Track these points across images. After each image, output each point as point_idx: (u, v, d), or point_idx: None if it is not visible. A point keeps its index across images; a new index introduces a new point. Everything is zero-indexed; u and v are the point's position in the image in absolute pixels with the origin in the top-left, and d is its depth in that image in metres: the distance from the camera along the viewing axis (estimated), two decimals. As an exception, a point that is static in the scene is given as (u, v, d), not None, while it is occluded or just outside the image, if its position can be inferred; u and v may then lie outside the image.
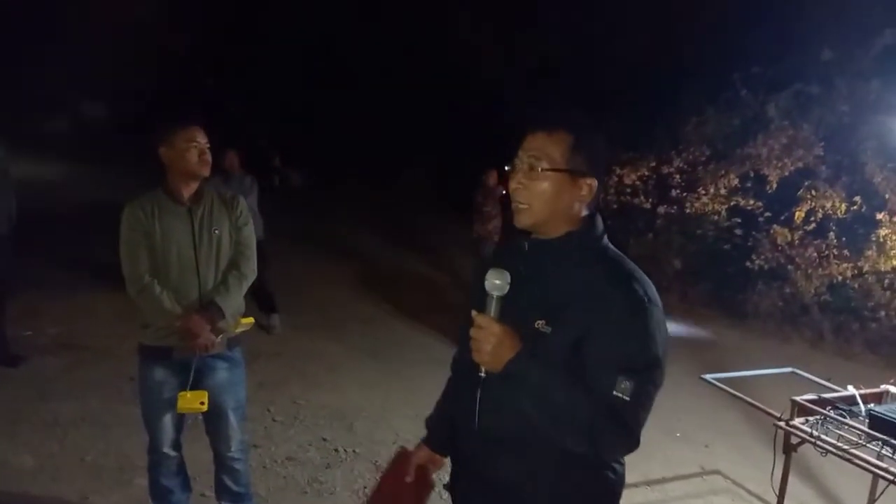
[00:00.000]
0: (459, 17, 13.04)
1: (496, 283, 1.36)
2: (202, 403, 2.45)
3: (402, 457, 1.71)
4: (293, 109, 16.97)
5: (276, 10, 16.32)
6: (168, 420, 2.55)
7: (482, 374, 1.38)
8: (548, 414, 1.34)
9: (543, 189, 1.40)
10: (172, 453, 2.61)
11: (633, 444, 1.35)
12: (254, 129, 16.76)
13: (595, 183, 1.43)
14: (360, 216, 13.95)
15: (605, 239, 1.47)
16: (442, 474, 1.71)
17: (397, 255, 10.43)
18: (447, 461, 1.70)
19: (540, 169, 1.40)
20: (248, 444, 2.88)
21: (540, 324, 1.37)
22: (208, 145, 2.47)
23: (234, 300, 2.53)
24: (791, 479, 2.91)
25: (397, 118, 15.18)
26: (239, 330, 2.62)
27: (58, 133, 20.55)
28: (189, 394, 2.45)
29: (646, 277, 1.41)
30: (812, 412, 2.67)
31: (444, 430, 1.67)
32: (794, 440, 2.73)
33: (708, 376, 3.34)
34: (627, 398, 1.29)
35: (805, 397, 2.76)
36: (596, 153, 1.45)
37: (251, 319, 2.67)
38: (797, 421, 2.69)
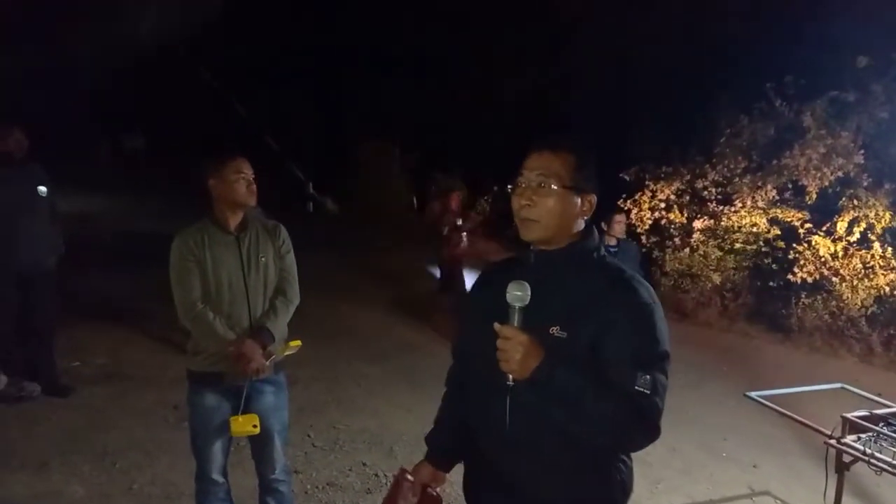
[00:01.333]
0: (486, 32, 13.12)
1: (517, 294, 1.43)
2: (255, 426, 2.49)
3: (403, 478, 1.74)
4: (325, 138, 17.26)
5: (304, 40, 16.70)
6: (218, 446, 2.60)
7: (510, 383, 1.44)
8: (574, 413, 1.43)
9: (552, 205, 1.52)
10: (221, 480, 2.65)
11: (656, 433, 1.46)
12: (287, 157, 17.12)
13: (594, 199, 1.58)
14: (395, 239, 14.07)
15: (603, 248, 1.62)
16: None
17: (434, 278, 10.46)
18: (448, 476, 1.76)
19: (552, 186, 1.50)
20: (289, 468, 2.91)
21: (555, 329, 1.47)
22: (253, 176, 2.56)
23: (282, 325, 2.62)
24: (844, 499, 2.82)
25: (430, 138, 15.33)
26: (287, 353, 2.67)
27: (97, 165, 21.22)
28: (241, 417, 2.50)
29: (644, 281, 1.55)
30: (864, 429, 2.59)
31: (447, 448, 1.76)
32: (846, 458, 2.64)
33: (753, 394, 3.27)
34: (648, 391, 1.40)
35: (856, 413, 2.68)
36: (594, 171, 1.59)
37: (298, 342, 2.71)
38: (849, 438, 2.62)
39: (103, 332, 6.13)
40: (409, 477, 1.72)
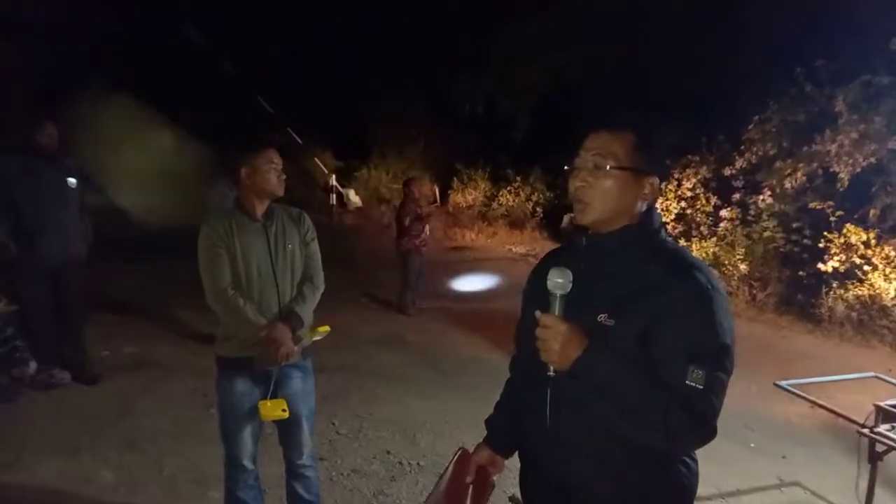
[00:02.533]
0: (502, 20, 13.02)
1: (559, 281, 1.38)
2: (284, 411, 2.52)
3: (463, 458, 1.70)
4: (350, 129, 17.32)
5: (329, 33, 16.74)
6: (248, 432, 2.62)
7: (551, 374, 1.38)
8: (619, 408, 1.34)
9: (608, 187, 1.43)
10: (251, 466, 2.67)
11: (709, 433, 1.34)
12: (312, 150, 17.22)
13: (657, 181, 1.46)
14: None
15: (664, 232, 1.50)
16: (505, 484, 1.69)
17: (455, 266, 10.46)
18: (507, 463, 1.69)
19: (608, 167, 1.42)
20: (316, 455, 2.93)
21: (603, 317, 1.38)
22: (281, 166, 2.60)
23: (310, 310, 2.64)
24: (877, 490, 2.75)
25: (452, 130, 15.32)
26: (315, 338, 2.70)
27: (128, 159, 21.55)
28: (269, 402, 2.52)
29: (707, 266, 1.42)
30: (898, 418, 2.52)
31: (504, 431, 1.69)
32: (879, 448, 2.58)
33: (783, 383, 3.20)
34: (701, 387, 1.29)
35: (889, 402, 2.61)
36: (658, 152, 1.48)
37: (327, 328, 2.73)
38: (882, 428, 2.55)
39: (131, 322, 6.25)
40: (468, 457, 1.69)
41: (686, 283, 1.35)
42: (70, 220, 4.49)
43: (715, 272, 1.43)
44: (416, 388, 4.96)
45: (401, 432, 4.12)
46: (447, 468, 1.71)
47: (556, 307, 1.37)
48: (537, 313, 1.37)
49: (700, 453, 3.94)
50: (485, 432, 1.75)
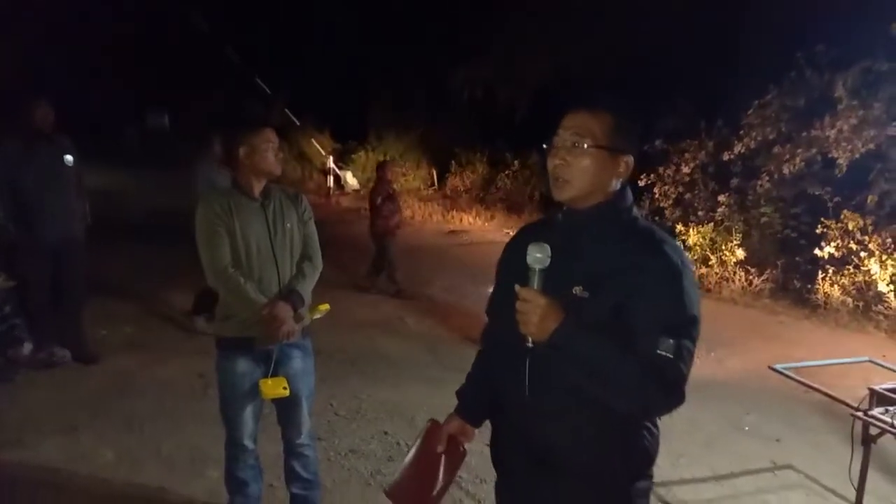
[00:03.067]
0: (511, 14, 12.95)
1: (538, 256, 1.42)
2: (284, 389, 2.52)
3: (434, 428, 1.74)
4: (348, 112, 17.22)
5: (329, 16, 16.61)
6: (249, 412, 2.63)
7: (529, 345, 1.43)
8: (596, 377, 1.41)
9: (586, 165, 1.49)
10: (251, 446, 2.69)
11: (679, 399, 1.42)
12: (309, 132, 17.13)
13: (632, 160, 1.53)
14: (418, 212, 14.07)
15: (635, 210, 1.57)
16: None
17: (452, 249, 10.47)
18: (477, 432, 1.76)
19: (585, 146, 1.47)
20: (314, 434, 2.95)
21: (578, 290, 1.44)
22: (278, 145, 2.60)
23: (310, 289, 2.64)
24: (869, 473, 2.78)
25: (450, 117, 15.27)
26: (316, 317, 2.71)
27: (125, 143, 21.49)
28: (270, 380, 2.53)
29: (676, 243, 1.51)
30: (892, 401, 2.55)
31: (475, 402, 1.75)
32: (872, 431, 2.61)
33: (778, 366, 3.22)
34: (671, 356, 1.37)
35: (884, 386, 2.63)
36: (633, 132, 1.55)
37: (327, 306, 2.74)
38: (876, 411, 2.57)
39: (129, 302, 6.26)
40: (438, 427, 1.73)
41: (657, 259, 1.43)
42: (68, 199, 4.48)
43: (680, 246, 1.52)
44: (415, 372, 4.98)
45: (398, 414, 4.15)
46: (417, 439, 1.75)
47: (535, 281, 1.42)
48: (517, 287, 1.42)
49: (695, 436, 3.98)
50: (455, 406, 1.80)
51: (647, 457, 1.56)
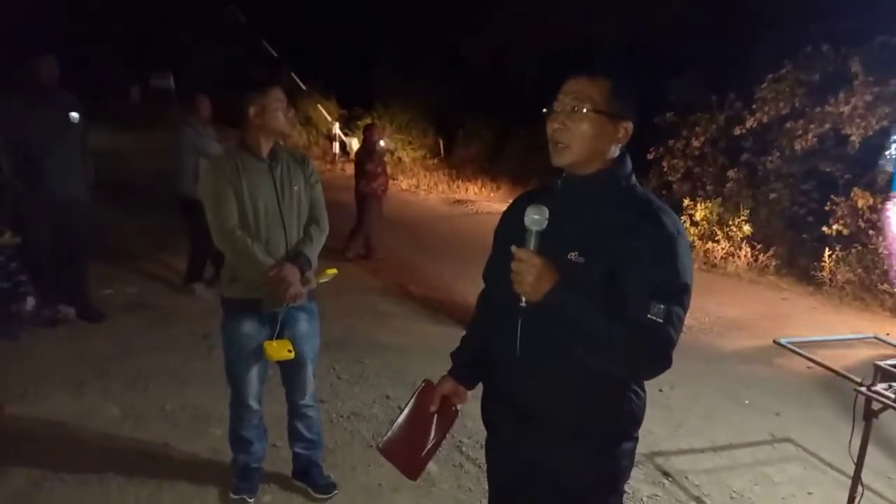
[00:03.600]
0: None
1: (535, 217, 1.43)
2: (290, 351, 2.53)
3: (427, 389, 1.77)
4: (354, 78, 17.04)
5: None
6: (255, 373, 2.63)
7: (523, 304, 1.45)
8: (587, 338, 1.43)
9: (584, 130, 1.49)
10: (256, 406, 2.70)
11: (667, 362, 1.44)
12: (315, 97, 16.97)
13: (631, 126, 1.53)
14: (423, 181, 14.00)
15: (634, 177, 1.57)
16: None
17: (456, 219, 10.45)
18: (470, 394, 1.78)
19: (584, 110, 1.48)
20: (318, 396, 2.98)
21: (573, 255, 1.47)
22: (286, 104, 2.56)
23: (317, 252, 2.63)
24: (870, 447, 2.79)
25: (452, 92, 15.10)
26: (322, 280, 2.69)
27: (128, 105, 21.35)
28: (275, 342, 2.53)
29: (672, 212, 1.52)
30: (896, 377, 2.54)
31: (469, 363, 1.78)
32: (875, 406, 2.61)
33: (783, 340, 3.21)
34: (661, 320, 1.39)
35: (889, 362, 2.62)
36: (633, 98, 1.54)
37: (335, 270, 2.72)
38: (879, 386, 2.57)
39: (133, 263, 6.27)
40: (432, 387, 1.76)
41: (653, 227, 1.45)
42: (73, 156, 4.45)
43: (676, 215, 1.52)
44: (418, 337, 5.00)
45: (401, 379, 4.17)
46: (411, 398, 1.78)
47: (532, 242, 1.43)
48: (513, 247, 1.43)
49: (694, 408, 3.99)
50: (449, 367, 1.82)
51: (632, 418, 1.59)
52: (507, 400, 1.64)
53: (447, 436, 1.80)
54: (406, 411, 1.77)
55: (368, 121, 16.40)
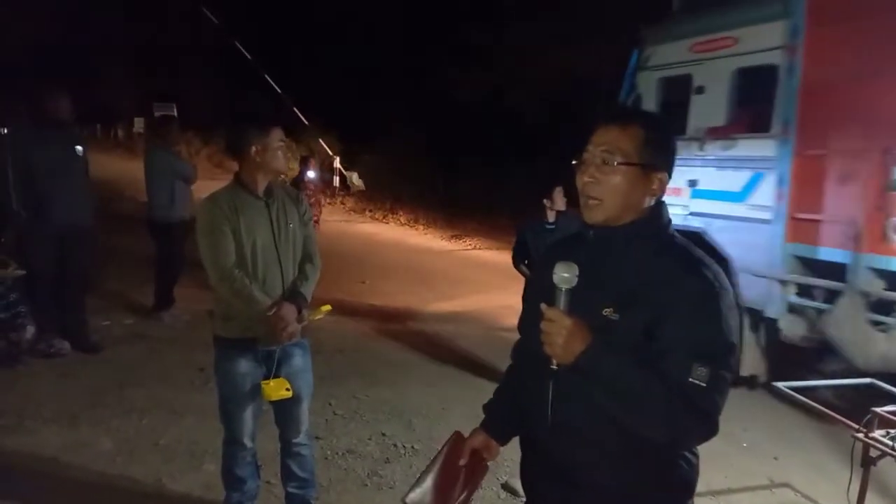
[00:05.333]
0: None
1: (565, 276, 1.36)
2: (288, 390, 2.51)
3: (458, 441, 1.70)
4: (355, 113, 17.27)
5: (339, 18, 16.67)
6: (249, 411, 2.62)
7: (554, 367, 1.38)
8: (622, 403, 1.34)
9: (617, 183, 1.41)
10: (250, 444, 2.68)
11: (712, 430, 1.35)
12: (316, 132, 17.17)
13: (666, 177, 1.46)
14: (422, 215, 14.09)
15: (672, 227, 1.49)
16: (499, 472, 1.70)
17: (453, 255, 10.48)
18: (502, 450, 1.70)
19: (616, 163, 1.41)
20: (311, 433, 2.95)
21: (608, 311, 1.37)
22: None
23: (312, 289, 2.64)
24: (869, 494, 2.77)
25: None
26: (317, 317, 2.69)
27: (133, 134, 21.56)
28: (272, 382, 2.51)
29: (715, 264, 1.41)
30: (894, 424, 2.54)
31: (501, 417, 1.69)
32: (873, 453, 2.60)
33: (780, 384, 3.21)
34: (704, 384, 1.29)
35: (887, 408, 2.62)
36: (666, 147, 1.47)
37: (329, 307, 2.73)
38: (877, 433, 2.57)
39: (131, 293, 6.27)
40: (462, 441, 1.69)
41: (693, 280, 1.35)
42: (78, 187, 4.53)
43: (719, 268, 1.41)
44: (415, 374, 4.98)
45: (397, 415, 4.15)
46: (441, 450, 1.71)
47: (561, 301, 1.37)
48: (542, 307, 1.37)
49: (694, 450, 3.90)
50: (479, 422, 1.74)
51: (683, 486, 1.48)
52: (544, 462, 1.54)
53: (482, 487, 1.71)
54: (435, 463, 1.69)
55: (369, 156, 16.63)
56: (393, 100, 16.74)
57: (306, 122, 16.70)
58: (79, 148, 4.54)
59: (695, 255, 1.42)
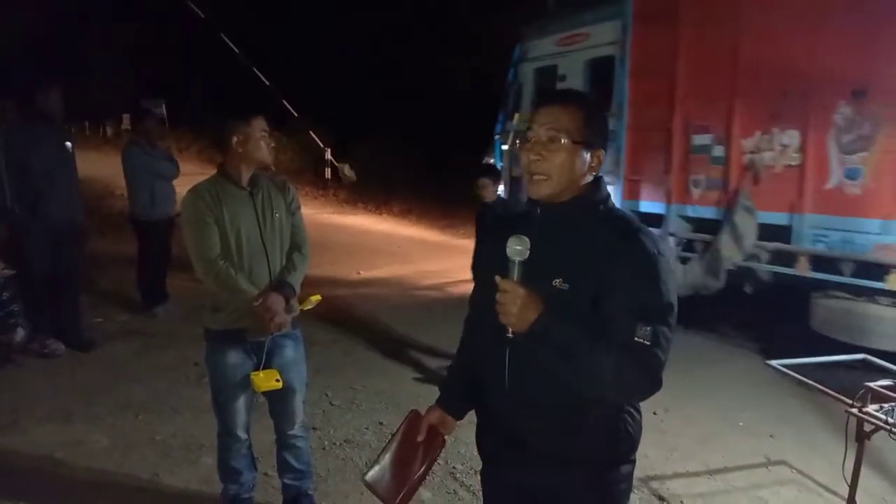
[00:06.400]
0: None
1: (517, 248, 1.44)
2: (277, 381, 2.49)
3: (414, 418, 1.76)
4: (347, 104, 17.18)
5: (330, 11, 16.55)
6: (242, 403, 2.61)
7: (510, 336, 1.45)
8: (574, 366, 1.43)
9: (562, 160, 1.50)
10: (244, 436, 2.67)
11: (657, 385, 1.44)
12: (306, 124, 17.09)
13: (603, 154, 1.56)
14: (415, 208, 14.06)
15: (611, 200, 1.59)
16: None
17: (449, 248, 10.48)
18: (457, 424, 1.77)
19: (562, 141, 1.49)
20: (307, 425, 2.95)
21: (557, 282, 1.47)
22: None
23: (300, 279, 2.62)
24: (863, 470, 2.79)
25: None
26: (307, 307, 2.67)
27: (121, 131, 21.43)
28: (262, 373, 2.50)
29: (653, 232, 1.52)
30: (887, 398, 2.55)
31: (456, 393, 1.77)
32: (867, 427, 2.61)
33: (774, 362, 3.22)
34: (648, 342, 1.39)
35: (880, 383, 2.64)
36: (603, 126, 1.58)
37: (318, 297, 2.72)
38: (871, 408, 2.58)
39: (124, 290, 6.24)
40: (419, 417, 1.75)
41: (633, 247, 1.45)
42: (70, 184, 4.51)
43: (657, 236, 1.53)
44: (412, 363, 4.98)
45: (394, 405, 4.15)
46: (399, 428, 1.77)
47: (515, 273, 1.44)
48: (497, 278, 1.44)
49: (688, 431, 3.97)
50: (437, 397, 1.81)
51: (629, 441, 1.58)
52: (501, 431, 1.63)
53: (439, 463, 1.79)
54: (393, 442, 1.75)
55: (361, 147, 16.56)
56: (384, 90, 16.66)
57: (296, 115, 16.62)
58: (68, 144, 4.51)
59: (633, 225, 1.51)
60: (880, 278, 4.13)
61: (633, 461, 1.62)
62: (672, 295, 1.45)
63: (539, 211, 1.58)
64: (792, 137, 4.48)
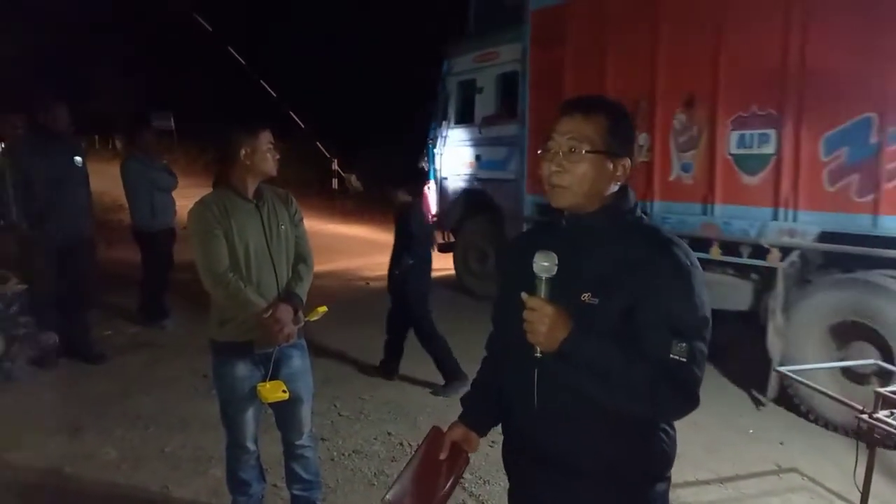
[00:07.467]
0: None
1: (544, 265, 1.38)
2: (284, 392, 2.49)
3: (437, 435, 1.69)
4: (353, 114, 17.25)
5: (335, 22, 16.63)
6: (250, 414, 2.61)
7: (538, 355, 1.39)
8: (607, 385, 1.36)
9: (584, 171, 1.44)
10: (253, 447, 2.68)
11: (694, 402, 1.39)
12: (312, 135, 17.15)
13: (628, 163, 1.49)
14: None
15: (639, 210, 1.53)
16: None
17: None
18: (481, 441, 1.70)
19: (583, 151, 1.43)
20: (315, 435, 2.95)
21: (586, 296, 1.40)
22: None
23: (307, 290, 2.64)
24: (874, 477, 2.76)
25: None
26: (314, 318, 2.68)
27: (126, 144, 21.58)
28: (269, 384, 2.50)
29: (683, 243, 1.45)
30: (898, 405, 2.54)
31: (480, 410, 1.69)
32: (877, 434, 2.59)
33: (783, 368, 3.20)
34: (684, 359, 1.34)
35: (890, 389, 2.62)
36: (628, 135, 1.51)
37: (325, 308, 2.73)
38: (881, 414, 2.56)
39: (133, 303, 6.26)
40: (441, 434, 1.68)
41: (665, 260, 1.39)
42: (79, 198, 4.56)
43: (687, 246, 1.45)
44: (419, 373, 4.97)
45: (402, 415, 4.15)
46: (420, 447, 1.70)
47: (542, 290, 1.38)
48: (524, 296, 1.38)
49: (697, 439, 3.95)
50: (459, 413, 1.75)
51: (664, 459, 1.52)
52: (530, 451, 1.56)
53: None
54: (415, 459, 1.68)
55: (367, 157, 16.58)
56: (389, 99, 16.72)
57: (302, 126, 16.67)
58: (78, 159, 4.56)
59: (664, 236, 1.46)
60: (706, 251, 4.83)
61: (669, 479, 1.55)
62: (707, 308, 1.40)
63: (565, 222, 1.53)
64: (644, 139, 5.31)
